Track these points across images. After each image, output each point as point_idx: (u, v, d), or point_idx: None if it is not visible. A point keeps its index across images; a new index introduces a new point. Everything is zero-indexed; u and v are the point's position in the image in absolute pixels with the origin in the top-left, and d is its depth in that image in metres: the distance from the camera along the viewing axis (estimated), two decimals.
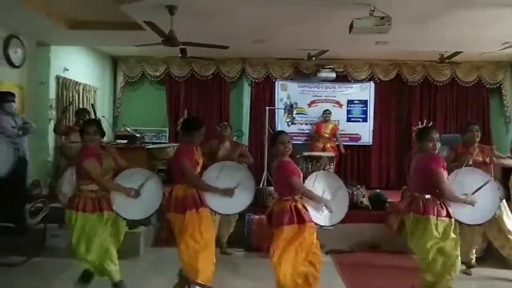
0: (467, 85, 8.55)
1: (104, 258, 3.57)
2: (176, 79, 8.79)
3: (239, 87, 8.98)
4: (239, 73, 8.76)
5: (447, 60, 7.39)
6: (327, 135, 8.06)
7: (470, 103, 8.69)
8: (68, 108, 6.43)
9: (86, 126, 3.61)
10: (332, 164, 7.59)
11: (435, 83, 8.58)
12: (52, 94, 6.81)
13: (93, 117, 5.83)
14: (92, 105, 6.74)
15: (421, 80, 8.59)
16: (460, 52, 6.82)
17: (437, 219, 3.31)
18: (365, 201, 5.85)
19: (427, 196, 3.36)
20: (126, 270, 3.83)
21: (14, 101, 5.35)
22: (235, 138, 8.16)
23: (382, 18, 4.10)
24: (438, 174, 3.31)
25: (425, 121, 3.73)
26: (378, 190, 6.48)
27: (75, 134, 5.27)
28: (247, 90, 8.94)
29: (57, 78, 6.92)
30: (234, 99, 8.96)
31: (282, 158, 3.40)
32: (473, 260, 4.53)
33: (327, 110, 8.26)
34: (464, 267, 4.31)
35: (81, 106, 7.33)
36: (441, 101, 8.71)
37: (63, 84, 7.02)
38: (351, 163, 8.74)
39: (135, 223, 4.85)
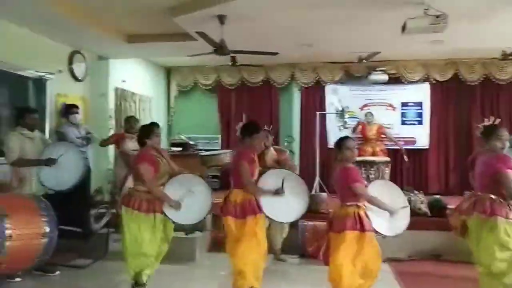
0: None
1: (144, 260, 3.67)
2: (227, 87, 8.96)
3: (288, 92, 8.98)
4: (289, 79, 8.76)
5: (510, 57, 6.95)
6: (373, 137, 7.82)
7: None
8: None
9: (155, 128, 3.76)
10: (387, 168, 7.38)
11: (496, 81, 8.08)
12: (111, 105, 7.18)
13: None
14: (136, 118, 6.94)
15: (481, 79, 8.12)
16: None
17: (506, 221, 3.10)
18: (424, 207, 5.59)
19: (494, 197, 3.17)
20: (182, 275, 3.92)
21: (78, 113, 5.72)
22: (285, 144, 8.18)
23: (437, 16, 3.95)
24: (505, 175, 3.11)
25: (491, 118, 3.50)
26: (437, 196, 6.19)
27: (130, 141, 5.48)
28: (296, 96, 8.92)
29: (116, 89, 7.30)
30: (284, 105, 8.96)
31: (347, 164, 3.38)
32: None
33: (368, 112, 8.04)
34: None
35: (138, 116, 7.66)
36: (505, 101, 8.18)
37: (121, 95, 7.39)
38: (407, 168, 8.42)
39: (190, 229, 5.00)
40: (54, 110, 6.07)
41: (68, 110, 5.69)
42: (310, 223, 5.24)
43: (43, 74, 5.82)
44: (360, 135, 7.93)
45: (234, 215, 3.60)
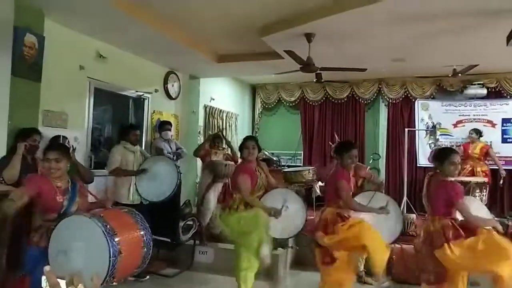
0: None
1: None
2: (311, 103, 8.94)
3: (374, 108, 8.70)
4: (375, 94, 8.50)
5: None
6: (476, 155, 7.19)
7: None
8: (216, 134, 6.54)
9: (246, 141, 3.88)
10: (484, 191, 6.75)
11: None
12: (201, 122, 7.56)
13: (225, 140, 6.29)
14: (221, 131, 7.21)
15: None
16: None
17: None
18: None
19: None
20: None
21: (170, 130, 6.10)
22: (371, 161, 7.91)
23: None
24: None
25: None
26: None
27: (214, 156, 5.76)
28: (383, 111, 8.60)
29: (205, 107, 7.68)
30: (370, 121, 8.70)
31: (449, 179, 3.20)
32: None
33: (471, 129, 7.39)
34: None
35: (225, 132, 7.96)
36: None
37: (210, 112, 7.74)
38: (509, 189, 7.63)
39: (274, 245, 5.01)
40: (150, 126, 6.55)
41: (162, 126, 6.08)
42: (397, 245, 4.97)
43: (141, 93, 6.34)
44: (461, 155, 7.37)
45: (323, 231, 3.53)
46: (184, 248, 5.37)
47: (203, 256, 5.38)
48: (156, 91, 6.62)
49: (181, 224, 5.18)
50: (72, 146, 4.04)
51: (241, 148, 3.91)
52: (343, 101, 8.69)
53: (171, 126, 6.25)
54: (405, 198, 7.09)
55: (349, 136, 8.61)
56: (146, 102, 6.47)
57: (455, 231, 3.05)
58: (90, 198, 3.08)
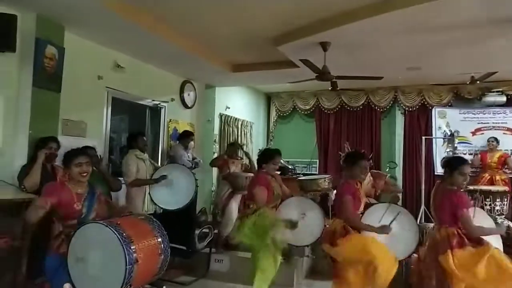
0: None
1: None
2: (326, 111, 8.92)
3: (390, 116, 8.63)
4: (391, 102, 8.44)
5: None
6: (494, 164, 7.06)
7: None
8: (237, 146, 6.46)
9: (275, 156, 3.93)
10: (505, 200, 6.60)
11: None
12: (216, 130, 7.60)
13: (242, 151, 6.36)
14: (239, 144, 7.15)
15: None
16: None
17: None
18: None
19: None
20: None
21: (193, 140, 6.23)
22: (387, 170, 7.82)
23: None
24: None
25: None
26: None
27: (232, 166, 5.75)
28: (399, 119, 8.53)
29: (220, 115, 7.73)
30: (386, 129, 8.62)
31: (457, 189, 3.17)
32: None
33: (491, 137, 7.29)
34: None
35: (240, 140, 7.99)
36: None
37: (225, 120, 7.79)
38: None
39: (290, 254, 5.00)
40: (167, 134, 6.62)
41: (186, 136, 6.17)
42: (414, 255, 4.88)
43: (158, 102, 6.42)
44: (479, 165, 7.27)
45: (330, 242, 3.51)
46: (199, 256, 5.36)
47: (219, 264, 5.38)
48: (172, 100, 6.70)
49: (197, 232, 5.19)
50: (100, 155, 4.07)
51: (266, 160, 3.92)
52: (358, 109, 8.64)
53: (193, 135, 6.38)
54: (422, 207, 6.99)
55: (365, 144, 8.55)
56: (162, 111, 6.55)
57: (460, 239, 3.05)
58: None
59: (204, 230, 5.32)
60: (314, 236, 3.96)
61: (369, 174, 4.98)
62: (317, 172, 8.64)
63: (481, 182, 6.99)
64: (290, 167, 8.12)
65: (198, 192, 6.24)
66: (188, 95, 7.09)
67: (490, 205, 6.44)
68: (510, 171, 7.09)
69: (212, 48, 5.79)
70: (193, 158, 6.18)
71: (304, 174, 7.86)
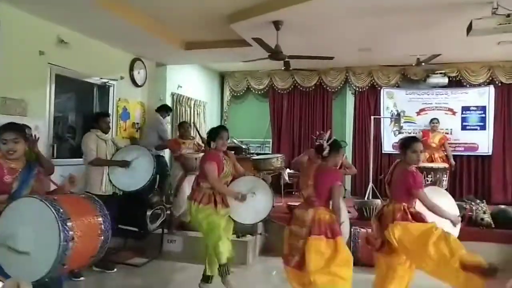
0: None
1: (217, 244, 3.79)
2: (279, 91, 8.97)
3: (342, 96, 8.84)
4: (342, 83, 8.62)
5: None
6: (434, 145, 7.49)
7: None
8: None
9: (220, 131, 3.92)
10: (445, 176, 7.04)
11: None
12: None
13: (195, 129, 6.38)
14: (194, 123, 7.22)
15: None
16: None
17: None
18: (487, 217, 5.29)
19: None
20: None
21: (169, 114, 6.81)
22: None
23: (507, 15, 3.71)
24: None
25: None
26: (502, 206, 5.82)
27: (183, 146, 5.69)
28: (350, 100, 8.75)
29: (172, 94, 7.55)
30: (337, 109, 8.83)
31: (411, 167, 3.31)
32: None
33: (434, 119, 7.69)
34: None
35: (192, 119, 7.88)
36: None
37: (177, 100, 7.63)
38: (468, 176, 7.98)
39: (243, 232, 5.08)
40: (116, 113, 6.39)
41: (166, 109, 6.67)
42: (362, 230, 5.12)
43: (106, 80, 6.16)
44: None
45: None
46: (152, 237, 5.33)
47: (172, 244, 5.37)
48: (121, 78, 6.45)
49: (149, 213, 5.11)
50: (35, 135, 3.89)
51: (213, 137, 3.90)
52: (311, 89, 8.77)
53: (171, 110, 6.88)
54: (370, 184, 7.29)
55: (317, 124, 8.72)
56: (111, 89, 6.30)
57: (405, 215, 3.21)
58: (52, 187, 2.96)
59: (156, 211, 5.25)
60: (258, 217, 4.06)
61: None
62: (270, 152, 8.74)
63: (423, 160, 7.39)
64: (244, 146, 8.15)
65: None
66: (138, 73, 6.85)
67: (431, 180, 6.85)
68: (445, 152, 7.55)
69: (164, 25, 5.59)
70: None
71: (258, 154, 7.94)
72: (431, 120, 7.68)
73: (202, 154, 5.60)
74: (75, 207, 2.43)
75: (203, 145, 5.86)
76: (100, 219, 2.49)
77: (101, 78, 6.08)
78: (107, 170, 4.61)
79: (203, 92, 8.70)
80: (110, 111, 6.23)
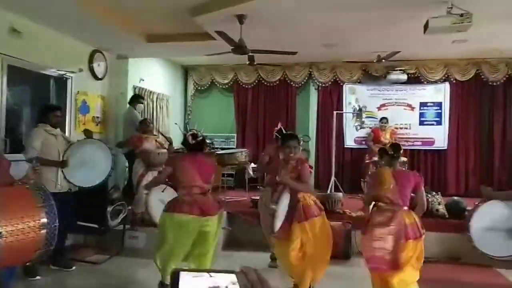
0: None
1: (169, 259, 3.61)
2: (244, 85, 8.97)
3: (305, 92, 8.94)
4: (306, 78, 8.72)
5: None
6: (387, 141, 7.75)
7: None
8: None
9: (200, 142, 3.79)
10: (404, 168, 7.29)
11: None
12: None
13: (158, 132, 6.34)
14: (159, 131, 7.03)
15: (504, 78, 7.94)
16: None
17: None
18: (441, 208, 5.52)
19: None
20: None
21: (142, 103, 6.85)
22: (301, 142, 8.15)
23: (461, 15, 3.86)
24: None
25: None
26: (455, 198, 6.09)
27: (145, 142, 5.58)
28: (314, 95, 8.88)
29: (134, 88, 7.37)
30: (301, 104, 8.93)
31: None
32: None
33: (384, 118, 7.99)
34: None
35: (155, 114, 7.74)
36: None
37: (139, 93, 7.44)
38: (424, 168, 8.30)
39: None
40: (75, 107, 6.18)
41: (136, 99, 6.70)
42: None
43: (64, 72, 5.93)
44: (372, 142, 7.92)
45: None
46: (113, 233, 5.21)
47: (134, 241, 5.27)
48: (80, 70, 6.22)
49: (109, 209, 4.99)
50: None
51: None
52: (275, 84, 8.82)
53: (144, 99, 6.89)
54: (333, 178, 7.45)
55: (281, 119, 8.74)
56: (69, 82, 6.07)
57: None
58: None
59: (117, 207, 5.13)
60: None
61: None
62: (235, 147, 8.73)
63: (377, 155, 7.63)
64: (208, 141, 8.07)
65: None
66: (98, 65, 6.63)
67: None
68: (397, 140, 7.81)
69: (125, 16, 5.43)
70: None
71: (223, 149, 7.91)
72: (381, 119, 7.97)
73: (164, 150, 5.56)
74: (7, 199, 2.31)
75: (166, 142, 5.80)
76: (43, 210, 2.38)
77: (58, 70, 5.84)
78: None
79: (166, 86, 8.56)
80: (68, 105, 6.02)
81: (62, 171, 4.37)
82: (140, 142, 5.59)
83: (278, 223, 3.47)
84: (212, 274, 0.82)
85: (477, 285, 4.30)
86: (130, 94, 7.27)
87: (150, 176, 5.42)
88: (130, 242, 5.28)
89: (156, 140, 5.79)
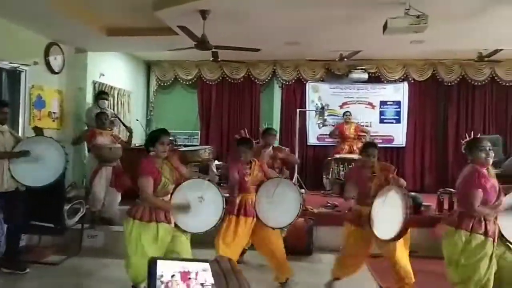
0: (507, 84, 8.20)
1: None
2: (208, 82, 8.90)
3: (270, 89, 8.99)
4: (270, 76, 8.77)
5: (486, 59, 7.11)
6: (352, 135, 7.96)
7: (511, 103, 8.34)
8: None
9: (161, 136, 3.45)
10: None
11: (472, 82, 8.28)
12: (89, 99, 7.00)
13: (111, 121, 6.13)
14: (115, 115, 6.85)
15: (458, 79, 8.32)
16: (501, 50, 6.55)
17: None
18: None
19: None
20: None
21: (107, 99, 6.54)
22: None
23: (418, 16, 3.99)
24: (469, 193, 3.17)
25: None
26: (412, 193, 6.30)
27: (99, 136, 5.41)
28: (277, 92, 8.94)
29: (94, 83, 7.13)
30: (265, 101, 8.97)
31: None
32: None
33: (347, 111, 8.19)
34: None
35: (116, 110, 7.54)
36: (480, 102, 8.39)
37: (99, 89, 7.22)
38: None
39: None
40: (29, 102, 5.90)
41: (98, 95, 6.47)
42: None
43: (17, 65, 5.64)
44: (337, 136, 8.09)
45: None
46: (71, 233, 5.03)
47: (93, 240, 5.12)
48: (35, 63, 5.93)
49: (66, 207, 4.81)
50: None
51: (152, 142, 3.44)
52: (239, 81, 8.80)
53: (108, 96, 6.65)
54: (296, 175, 7.52)
55: (246, 116, 8.79)
56: (22, 75, 5.77)
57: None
58: None
59: (74, 206, 4.96)
60: (210, 222, 3.59)
61: (271, 147, 5.15)
62: (198, 144, 8.65)
63: (342, 152, 7.81)
64: (171, 138, 7.95)
65: (71, 165, 5.82)
66: (55, 59, 6.36)
67: None
68: (364, 134, 8.01)
69: (84, 7, 5.21)
70: (112, 116, 6.22)
71: (186, 146, 7.81)
72: (344, 113, 8.16)
73: (118, 145, 5.40)
74: None
75: (121, 137, 5.65)
76: None
77: (11, 63, 5.54)
78: (7, 164, 4.18)
79: (127, 81, 8.34)
80: (21, 99, 5.74)
81: (9, 169, 4.16)
82: (93, 137, 5.40)
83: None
84: (187, 262, 0.86)
85: (430, 274, 4.47)
86: (89, 89, 7.04)
87: (104, 172, 5.29)
88: (89, 241, 5.13)
89: (112, 135, 5.62)
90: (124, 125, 5.95)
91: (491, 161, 3.20)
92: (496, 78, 8.18)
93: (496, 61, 7.43)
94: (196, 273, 0.84)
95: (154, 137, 3.48)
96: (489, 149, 3.17)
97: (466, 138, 3.36)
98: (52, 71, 6.33)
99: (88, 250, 5.02)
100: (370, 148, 3.87)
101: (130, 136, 5.90)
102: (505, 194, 3.23)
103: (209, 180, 3.75)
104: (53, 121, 6.39)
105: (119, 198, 5.45)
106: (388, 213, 3.50)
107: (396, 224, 3.40)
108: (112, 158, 5.28)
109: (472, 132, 3.41)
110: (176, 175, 3.57)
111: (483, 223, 3.14)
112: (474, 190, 3.11)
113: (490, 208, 3.14)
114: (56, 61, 6.38)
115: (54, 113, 6.42)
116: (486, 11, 4.58)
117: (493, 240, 3.15)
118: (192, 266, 0.85)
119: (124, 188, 5.30)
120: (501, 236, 3.21)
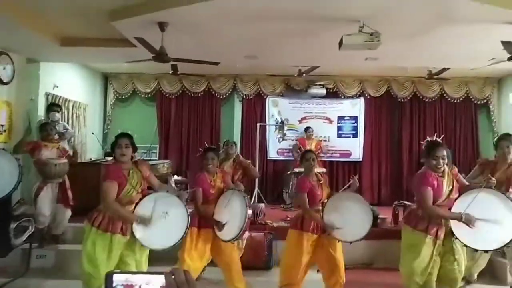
0: (455, 101, 8.64)
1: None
2: (167, 95, 8.78)
3: (230, 103, 9.00)
4: (230, 90, 8.78)
5: (435, 76, 7.48)
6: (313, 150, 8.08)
7: (459, 119, 8.78)
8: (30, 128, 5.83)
9: (117, 139, 3.38)
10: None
11: (424, 99, 8.67)
12: (41, 111, 6.70)
13: (62, 133, 6.04)
14: (67, 128, 6.52)
15: (411, 96, 8.68)
16: (448, 68, 6.91)
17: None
18: None
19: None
20: None
21: (58, 111, 6.25)
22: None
23: (371, 34, 4.14)
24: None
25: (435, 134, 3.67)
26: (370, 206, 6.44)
27: (45, 149, 5.00)
28: (238, 107, 8.96)
29: (47, 95, 6.85)
30: (225, 115, 8.96)
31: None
32: (474, 277, 4.56)
33: (309, 127, 8.28)
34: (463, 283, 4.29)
35: (71, 123, 7.26)
36: (430, 117, 8.79)
37: (53, 101, 6.93)
38: (343, 179, 8.72)
39: None
40: None
41: (49, 108, 6.22)
42: (246, 233, 5.20)
43: None
44: (299, 150, 8.16)
45: None
46: (17, 253, 4.73)
47: (41, 260, 4.84)
48: None
49: (13, 226, 4.53)
50: None
51: (112, 149, 3.41)
52: (199, 95, 8.76)
53: (60, 108, 6.43)
54: (256, 189, 7.52)
55: (206, 130, 8.73)
56: None
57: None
58: None
59: (22, 224, 4.68)
60: (171, 240, 3.40)
61: (231, 160, 5.15)
62: (157, 158, 8.48)
63: (300, 166, 7.88)
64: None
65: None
66: (4, 68, 6.05)
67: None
68: (323, 154, 8.17)
69: (36, 15, 5.00)
70: (64, 129, 6.22)
71: (144, 160, 7.62)
72: (306, 129, 8.25)
73: (64, 160, 5.04)
74: None
75: (70, 151, 5.32)
76: None
77: None
78: None
79: (83, 94, 8.08)
80: None
81: None
82: (37, 149, 4.94)
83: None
84: (142, 275, 0.83)
85: (387, 286, 4.57)
86: (42, 101, 6.75)
87: (49, 188, 4.94)
88: (37, 261, 4.84)
89: (58, 148, 5.18)
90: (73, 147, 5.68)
91: (441, 170, 3.36)
92: (444, 95, 8.62)
93: (445, 79, 7.84)
94: (139, 287, 0.80)
95: (113, 141, 3.44)
96: (442, 159, 3.33)
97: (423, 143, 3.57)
98: (0, 81, 6.03)
99: (36, 271, 4.73)
100: (307, 153, 4.07)
101: (75, 154, 5.51)
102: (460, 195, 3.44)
103: (177, 196, 3.55)
104: (1, 134, 6.06)
105: (68, 213, 5.10)
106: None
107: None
108: (55, 174, 4.90)
109: (435, 134, 3.64)
110: (144, 186, 3.47)
111: (426, 221, 3.36)
112: (423, 189, 3.31)
113: (445, 211, 3.33)
114: (5, 71, 6.07)
115: (1, 125, 6.09)
116: (433, 31, 4.83)
117: (435, 238, 3.34)
118: (135, 279, 0.82)
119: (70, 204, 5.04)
120: (451, 234, 3.37)
